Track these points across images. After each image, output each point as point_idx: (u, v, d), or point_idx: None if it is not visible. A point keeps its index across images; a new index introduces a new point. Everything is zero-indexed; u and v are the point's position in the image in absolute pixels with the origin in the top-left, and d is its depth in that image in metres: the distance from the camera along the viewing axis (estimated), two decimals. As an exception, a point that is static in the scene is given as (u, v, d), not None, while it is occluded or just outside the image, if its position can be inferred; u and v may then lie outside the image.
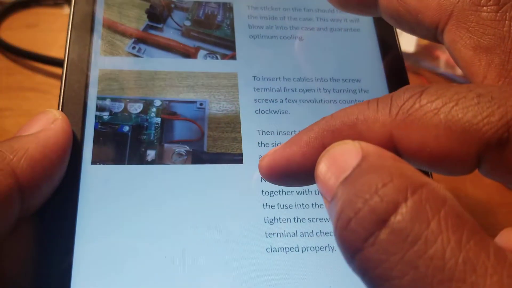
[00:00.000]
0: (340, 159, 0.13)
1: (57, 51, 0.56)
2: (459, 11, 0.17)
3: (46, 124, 0.19)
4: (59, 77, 0.53)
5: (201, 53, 0.24)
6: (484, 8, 0.17)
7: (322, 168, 0.14)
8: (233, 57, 0.24)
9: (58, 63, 0.53)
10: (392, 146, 0.14)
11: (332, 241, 0.20)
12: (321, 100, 0.23)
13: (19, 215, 0.17)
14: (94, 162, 0.20)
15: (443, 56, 0.40)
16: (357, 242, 0.12)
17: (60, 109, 0.21)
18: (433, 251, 0.11)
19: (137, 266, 0.19)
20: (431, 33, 0.18)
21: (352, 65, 0.25)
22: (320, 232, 0.20)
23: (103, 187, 0.20)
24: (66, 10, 0.61)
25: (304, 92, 0.24)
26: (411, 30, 0.19)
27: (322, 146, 0.15)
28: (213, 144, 0.22)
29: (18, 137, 0.18)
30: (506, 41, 0.16)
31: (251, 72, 0.24)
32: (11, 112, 0.48)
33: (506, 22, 0.16)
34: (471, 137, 0.13)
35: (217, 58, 0.24)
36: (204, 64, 0.24)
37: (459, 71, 0.39)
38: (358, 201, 0.12)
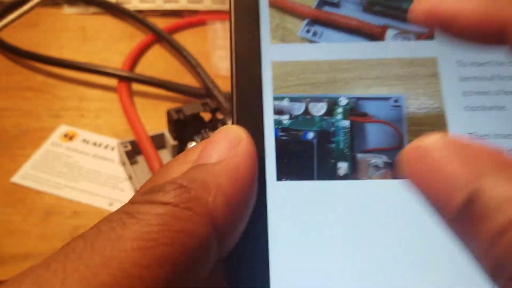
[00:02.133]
0: None
1: (56, 51, 0.53)
2: None
3: (231, 147, 0.16)
4: (58, 76, 0.51)
5: (389, 32, 0.19)
6: None
7: None
8: (430, 37, 0.19)
9: (58, 63, 0.50)
10: None
11: None
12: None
13: (216, 259, 0.15)
14: (279, 178, 0.18)
15: None
16: None
17: (235, 115, 0.18)
18: None
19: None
20: None
21: None
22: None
23: (294, 209, 0.17)
24: (66, 10, 0.58)
25: (525, 79, 0.18)
26: None
27: None
28: (415, 152, 0.18)
29: (204, 167, 0.15)
30: None
31: (454, 56, 0.19)
32: (11, 112, 0.47)
33: None
34: None
35: (410, 38, 0.19)
36: (394, 47, 0.19)
37: None
38: None
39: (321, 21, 0.20)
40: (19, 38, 0.55)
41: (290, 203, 0.17)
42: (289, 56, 0.19)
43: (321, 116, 0.18)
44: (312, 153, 0.18)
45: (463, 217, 0.10)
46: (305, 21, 0.20)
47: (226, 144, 0.16)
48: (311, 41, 0.19)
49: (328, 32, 0.20)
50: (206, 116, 0.42)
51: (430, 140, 0.12)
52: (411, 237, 0.17)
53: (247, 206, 0.16)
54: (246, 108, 0.18)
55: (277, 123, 0.18)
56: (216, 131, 0.17)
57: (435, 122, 0.18)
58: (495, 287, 0.11)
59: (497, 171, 0.10)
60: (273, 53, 0.19)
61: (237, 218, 0.15)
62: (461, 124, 0.18)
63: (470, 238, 0.11)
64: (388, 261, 0.17)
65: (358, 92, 0.19)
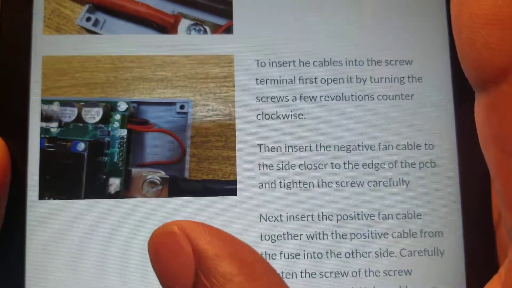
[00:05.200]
0: None
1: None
2: None
3: None
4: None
5: (183, 24, 0.17)
6: None
7: None
8: (228, 30, 0.17)
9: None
10: None
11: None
12: (353, 95, 0.17)
13: None
14: (42, 196, 0.16)
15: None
16: None
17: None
18: None
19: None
20: None
21: (403, 39, 0.17)
22: (335, 291, 0.16)
23: (56, 232, 0.16)
24: None
25: (328, 83, 0.17)
26: None
27: None
28: (197, 167, 0.16)
29: None
30: None
31: (253, 53, 0.17)
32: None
33: None
34: None
35: (205, 31, 0.17)
36: (186, 42, 0.17)
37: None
38: None
39: (105, 7, 0.17)
40: None
41: (52, 225, 0.16)
42: (64, 50, 0.16)
43: (95, 123, 0.16)
44: (81, 168, 0.16)
45: None
46: (86, 7, 0.17)
47: None
48: (91, 32, 0.17)
49: (112, 21, 0.17)
50: None
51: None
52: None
53: None
54: (7, 111, 0.16)
55: (44, 131, 0.16)
56: None
57: (223, 132, 0.16)
58: None
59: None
60: (45, 46, 0.16)
61: None
62: (250, 134, 0.16)
63: None
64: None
65: (140, 96, 0.16)
